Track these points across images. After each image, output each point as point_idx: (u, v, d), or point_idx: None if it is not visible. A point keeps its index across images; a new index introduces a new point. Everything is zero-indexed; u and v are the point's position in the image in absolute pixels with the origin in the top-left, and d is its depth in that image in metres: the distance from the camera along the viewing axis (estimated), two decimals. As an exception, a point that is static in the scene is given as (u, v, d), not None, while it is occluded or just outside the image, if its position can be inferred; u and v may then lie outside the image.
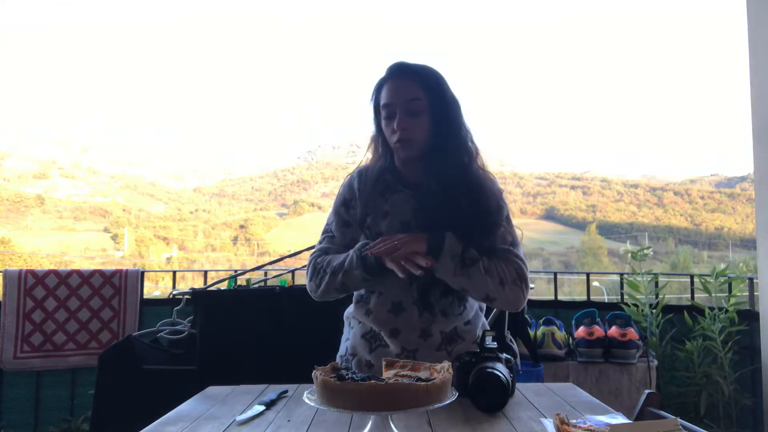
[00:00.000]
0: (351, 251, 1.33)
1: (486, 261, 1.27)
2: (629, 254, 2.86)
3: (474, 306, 1.43)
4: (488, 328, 1.48)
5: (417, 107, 1.32)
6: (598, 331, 2.52)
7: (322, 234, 1.47)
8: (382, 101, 1.36)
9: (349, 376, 0.95)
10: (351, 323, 1.45)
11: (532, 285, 2.67)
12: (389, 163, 1.43)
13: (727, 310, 2.65)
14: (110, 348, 2.32)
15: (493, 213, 1.34)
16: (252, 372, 2.03)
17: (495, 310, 2.20)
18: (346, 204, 1.44)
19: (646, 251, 2.82)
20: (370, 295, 1.38)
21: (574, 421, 0.96)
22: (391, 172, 1.42)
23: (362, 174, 1.44)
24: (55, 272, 2.86)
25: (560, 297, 3.21)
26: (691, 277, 3.05)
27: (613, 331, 2.53)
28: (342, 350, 1.46)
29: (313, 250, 1.46)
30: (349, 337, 1.44)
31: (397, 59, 1.42)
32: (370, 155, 1.47)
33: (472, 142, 1.39)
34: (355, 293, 1.44)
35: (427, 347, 1.33)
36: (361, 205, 1.41)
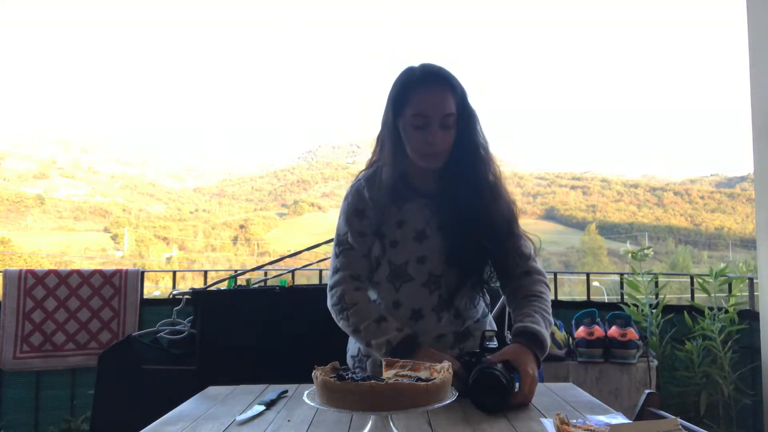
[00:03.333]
0: (384, 338, 1.26)
1: (545, 313, 1.29)
2: (629, 254, 2.86)
3: (482, 305, 1.45)
4: (495, 326, 1.49)
5: (450, 123, 1.30)
6: (598, 331, 2.52)
7: (337, 245, 1.39)
8: (415, 109, 1.28)
9: (349, 376, 0.95)
10: None
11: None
12: (400, 170, 1.37)
13: (727, 310, 2.65)
14: (110, 348, 2.32)
15: (509, 221, 1.35)
16: (252, 372, 2.03)
17: (495, 309, 2.21)
18: (359, 214, 1.38)
19: (646, 251, 2.82)
20: (389, 306, 1.38)
21: (574, 421, 0.96)
22: (402, 179, 1.38)
23: (371, 181, 1.38)
24: (55, 272, 2.86)
25: (560, 297, 3.22)
26: (691, 277, 3.04)
27: (613, 331, 2.53)
28: (353, 350, 1.45)
29: (334, 273, 1.38)
30: None
31: (398, 60, 1.43)
32: (378, 155, 1.42)
33: (488, 152, 1.37)
34: (371, 297, 1.41)
35: (442, 347, 1.36)
36: (376, 214, 1.36)
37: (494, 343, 1.19)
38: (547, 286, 1.37)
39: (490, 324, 1.46)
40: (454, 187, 1.32)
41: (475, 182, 1.33)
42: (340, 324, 1.36)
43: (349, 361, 1.46)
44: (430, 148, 1.29)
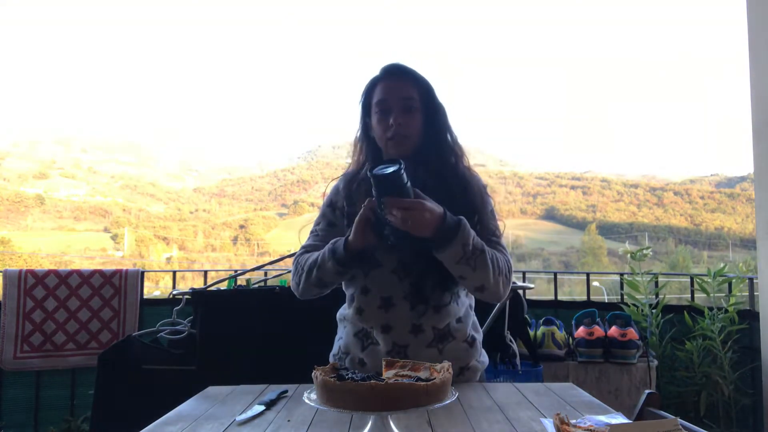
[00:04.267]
0: (325, 246, 1.34)
1: (489, 251, 1.27)
2: (628, 254, 2.86)
3: (465, 303, 1.43)
4: (479, 328, 1.48)
5: (411, 105, 1.37)
6: (598, 331, 2.52)
7: (309, 234, 1.49)
8: (377, 98, 1.39)
9: (349, 376, 0.95)
10: (344, 323, 1.46)
11: (532, 285, 2.69)
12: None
13: (726, 310, 2.65)
14: (110, 348, 2.32)
15: (479, 207, 1.37)
16: (252, 372, 2.03)
17: (495, 309, 2.21)
18: (332, 206, 1.47)
19: (645, 251, 2.82)
20: (359, 294, 1.39)
21: (574, 421, 0.96)
22: None
23: (348, 177, 1.48)
24: (55, 272, 2.86)
25: (560, 297, 3.21)
26: (691, 277, 3.05)
27: (613, 331, 2.53)
28: (335, 349, 1.47)
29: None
30: (342, 336, 1.45)
31: (399, 60, 1.44)
32: (357, 158, 1.48)
33: (458, 145, 1.43)
34: (347, 293, 1.44)
35: (418, 343, 1.33)
36: (347, 204, 1.43)
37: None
38: (507, 260, 1.32)
39: (474, 326, 1.44)
40: (423, 174, 1.34)
41: (443, 172, 1.37)
42: (301, 283, 1.38)
43: (330, 360, 1.47)
44: (393, 131, 1.35)
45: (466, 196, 1.36)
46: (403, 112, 1.35)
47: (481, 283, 1.26)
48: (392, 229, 1.19)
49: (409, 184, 1.16)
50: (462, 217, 1.24)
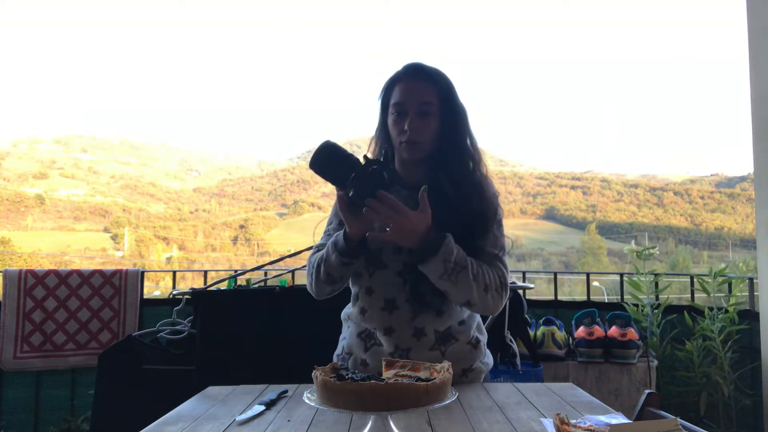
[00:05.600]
0: (329, 243, 1.33)
1: (475, 267, 1.26)
2: (634, 253, 2.86)
3: None
4: (484, 329, 1.47)
5: (428, 110, 1.33)
6: (598, 331, 2.52)
7: (324, 233, 1.48)
8: (394, 99, 1.36)
9: (349, 376, 0.95)
10: (348, 323, 1.46)
11: (532, 285, 2.68)
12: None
13: (727, 310, 2.65)
14: (110, 348, 2.32)
15: (489, 218, 1.35)
16: (252, 372, 2.03)
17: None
18: None
19: (651, 251, 2.82)
20: (363, 294, 1.39)
21: (574, 421, 0.96)
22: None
23: None
24: (55, 272, 2.86)
25: (560, 297, 3.21)
26: (691, 277, 3.05)
27: (613, 331, 2.53)
28: (339, 349, 1.47)
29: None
30: (345, 336, 1.45)
31: (399, 60, 1.42)
32: (370, 155, 1.45)
33: (477, 149, 1.40)
34: (352, 291, 1.44)
35: (421, 346, 1.33)
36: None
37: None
38: (501, 276, 1.31)
39: (479, 327, 1.43)
40: (439, 178, 1.33)
41: (459, 176, 1.35)
42: (313, 281, 1.38)
43: (334, 359, 1.46)
44: (407, 136, 1.33)
45: (480, 204, 1.33)
46: (418, 116, 1.32)
47: (465, 299, 1.26)
48: (356, 189, 1.18)
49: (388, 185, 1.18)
50: (448, 234, 1.23)
